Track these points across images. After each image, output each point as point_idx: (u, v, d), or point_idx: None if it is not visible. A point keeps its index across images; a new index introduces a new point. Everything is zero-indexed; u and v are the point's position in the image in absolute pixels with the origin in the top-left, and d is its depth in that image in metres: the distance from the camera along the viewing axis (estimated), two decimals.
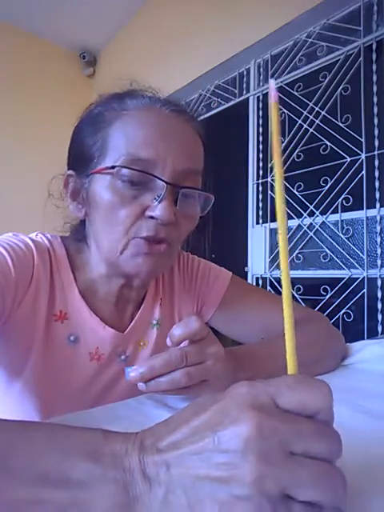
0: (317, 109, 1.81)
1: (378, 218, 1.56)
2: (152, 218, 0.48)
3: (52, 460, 0.23)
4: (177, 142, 0.50)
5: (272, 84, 0.25)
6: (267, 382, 0.24)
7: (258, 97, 2.11)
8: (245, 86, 2.19)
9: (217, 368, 0.41)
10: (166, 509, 0.22)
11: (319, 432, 0.22)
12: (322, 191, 1.76)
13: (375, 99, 1.60)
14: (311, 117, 1.83)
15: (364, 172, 1.61)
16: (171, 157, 0.48)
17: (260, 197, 2.05)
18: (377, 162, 1.58)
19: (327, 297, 1.74)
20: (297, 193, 1.86)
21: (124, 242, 0.49)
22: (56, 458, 0.23)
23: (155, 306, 0.63)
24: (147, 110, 0.50)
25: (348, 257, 1.66)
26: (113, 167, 0.47)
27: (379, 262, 1.55)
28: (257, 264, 2.03)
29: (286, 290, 0.25)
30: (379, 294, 1.54)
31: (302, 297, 1.83)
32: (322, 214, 1.76)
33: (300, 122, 1.88)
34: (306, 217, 1.82)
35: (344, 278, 1.67)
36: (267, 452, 0.21)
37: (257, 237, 2.04)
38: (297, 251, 1.85)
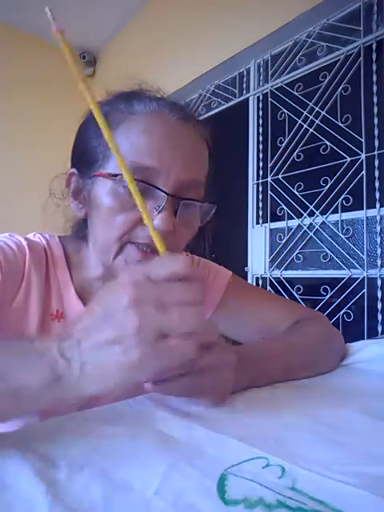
0: (317, 109, 1.81)
1: (378, 218, 1.56)
2: None
3: None
4: (182, 151, 0.48)
5: (48, 13, 0.30)
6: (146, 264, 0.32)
7: (258, 97, 2.11)
8: (245, 85, 2.19)
9: (227, 375, 0.41)
10: (82, 379, 0.29)
11: (184, 285, 0.31)
12: (322, 191, 1.76)
13: (375, 99, 1.60)
14: (311, 117, 1.83)
15: (364, 172, 1.61)
16: (175, 167, 0.47)
17: (260, 197, 2.05)
18: (377, 162, 1.58)
19: (327, 297, 1.74)
20: (297, 193, 1.86)
21: (118, 245, 0.49)
22: None
23: None
24: (154, 116, 0.49)
25: (348, 257, 1.66)
26: (116, 175, 0.47)
27: (379, 262, 1.55)
28: (257, 264, 2.03)
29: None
30: (379, 294, 1.54)
31: (302, 297, 1.83)
32: (322, 214, 1.76)
33: (300, 122, 1.88)
34: (306, 217, 1.82)
35: (344, 278, 1.67)
36: (142, 308, 0.29)
37: (257, 237, 2.04)
38: (297, 251, 1.85)
